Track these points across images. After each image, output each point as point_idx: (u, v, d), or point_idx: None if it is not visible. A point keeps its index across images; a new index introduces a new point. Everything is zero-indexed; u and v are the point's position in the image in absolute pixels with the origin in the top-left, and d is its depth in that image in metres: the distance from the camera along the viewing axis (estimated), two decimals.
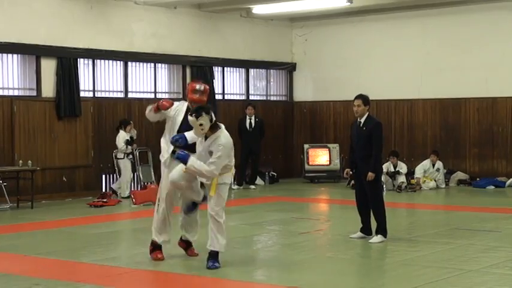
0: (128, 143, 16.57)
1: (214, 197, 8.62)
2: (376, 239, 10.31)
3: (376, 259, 9.51)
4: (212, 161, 8.48)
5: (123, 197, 16.19)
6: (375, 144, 10.37)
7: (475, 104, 18.64)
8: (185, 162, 8.53)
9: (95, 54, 16.95)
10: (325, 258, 9.60)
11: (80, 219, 13.29)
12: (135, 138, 16.89)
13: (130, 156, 16.70)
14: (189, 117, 8.51)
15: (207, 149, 8.58)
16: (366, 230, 10.61)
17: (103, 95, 17.41)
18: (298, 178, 19.95)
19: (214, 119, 8.54)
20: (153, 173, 17.56)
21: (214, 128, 8.57)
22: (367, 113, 10.55)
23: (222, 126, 8.71)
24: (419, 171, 17.79)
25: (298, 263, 9.20)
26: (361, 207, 10.66)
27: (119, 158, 16.64)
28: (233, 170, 8.85)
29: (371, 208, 10.51)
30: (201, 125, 8.43)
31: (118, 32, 17.39)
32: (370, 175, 10.25)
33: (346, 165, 10.73)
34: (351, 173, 10.79)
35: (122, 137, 16.61)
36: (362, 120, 10.50)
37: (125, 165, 16.63)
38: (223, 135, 8.61)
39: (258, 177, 19.09)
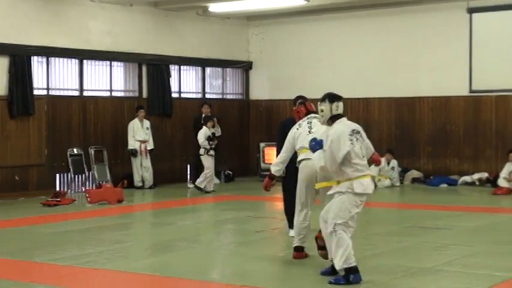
0: (209, 139, 16.93)
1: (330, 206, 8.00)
2: None
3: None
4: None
5: (207, 192, 16.72)
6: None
7: (429, 103, 18.85)
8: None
9: (49, 52, 16.77)
10: (280, 256, 9.62)
11: (33, 219, 13.14)
12: (217, 135, 17.31)
13: (211, 152, 16.98)
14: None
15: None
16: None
17: (57, 93, 17.23)
18: (254, 177, 19.96)
19: (339, 112, 8.00)
20: (108, 172, 17.49)
21: (333, 120, 8.03)
22: None
23: (343, 118, 8.08)
24: (374, 169, 17.89)
25: (253, 261, 9.21)
26: (292, 207, 10.72)
27: (200, 154, 17.01)
28: (365, 178, 7.86)
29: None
30: (321, 110, 8.05)
31: (73, 30, 17.23)
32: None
33: None
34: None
35: (204, 132, 16.96)
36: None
37: (206, 160, 16.93)
38: (335, 126, 7.97)
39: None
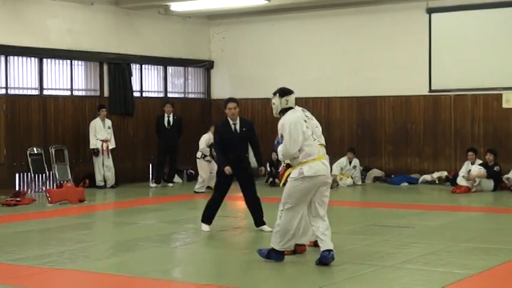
0: (211, 146, 16.27)
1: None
2: (268, 227, 10.83)
3: (292, 256, 9.56)
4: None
5: (196, 192, 16.59)
6: (257, 142, 11.29)
7: (390, 102, 19.00)
8: None
9: (7, 51, 16.58)
10: (243, 255, 9.63)
11: None
12: None
13: (208, 158, 16.72)
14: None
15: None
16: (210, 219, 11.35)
17: (17, 92, 17.05)
18: None
19: (289, 105, 8.65)
20: (69, 171, 17.35)
21: (284, 112, 8.69)
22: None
23: (295, 108, 8.71)
24: (336, 168, 18.00)
25: (216, 260, 9.22)
26: (220, 203, 11.29)
27: (196, 157, 16.91)
28: (315, 162, 8.44)
29: (254, 201, 11.21)
30: (273, 103, 8.71)
31: (32, 28, 17.05)
32: (263, 169, 11.58)
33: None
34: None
35: (206, 139, 16.77)
36: (237, 122, 11.06)
37: (201, 165, 16.82)
38: (289, 115, 8.63)
39: (176, 175, 19.03)
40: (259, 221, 11.21)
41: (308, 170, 8.34)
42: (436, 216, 12.96)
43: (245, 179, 11.13)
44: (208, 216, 11.29)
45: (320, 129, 8.77)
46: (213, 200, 11.34)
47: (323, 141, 8.73)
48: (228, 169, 10.92)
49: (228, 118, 11.06)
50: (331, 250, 8.50)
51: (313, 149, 8.46)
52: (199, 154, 16.86)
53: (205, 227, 11.27)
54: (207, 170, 16.75)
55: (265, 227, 11.05)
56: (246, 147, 11.17)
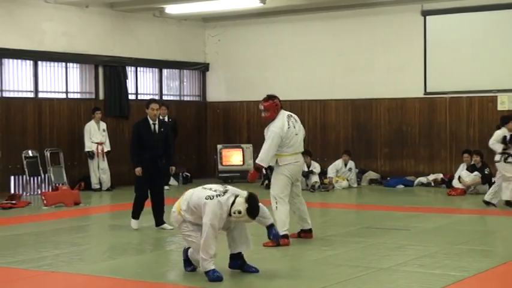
0: (502, 141, 13.69)
1: None
2: (169, 226, 11.45)
3: (288, 258, 9.57)
4: None
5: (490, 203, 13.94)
6: (172, 142, 12.04)
7: (385, 105, 19.00)
8: None
9: (2, 54, 16.56)
10: None
11: None
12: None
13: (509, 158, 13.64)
14: None
15: None
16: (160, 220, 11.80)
17: (11, 95, 17.02)
18: (212, 178, 19.92)
19: None
20: (64, 174, 17.32)
21: None
22: None
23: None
24: (331, 170, 18.01)
25: None
26: (144, 201, 11.72)
27: (495, 161, 13.94)
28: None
29: (160, 199, 11.74)
30: None
31: (27, 31, 17.03)
32: (174, 168, 12.25)
33: None
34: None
35: (497, 134, 13.84)
36: (157, 122, 11.59)
37: (503, 168, 13.74)
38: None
39: (171, 177, 18.99)
40: (159, 221, 11.73)
41: None
42: (431, 218, 12.96)
43: (157, 178, 11.68)
44: (136, 214, 11.76)
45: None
46: (137, 198, 11.76)
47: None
48: (138, 170, 11.41)
49: (148, 118, 11.52)
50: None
51: None
52: (497, 156, 13.84)
53: (133, 223, 11.72)
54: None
55: (165, 226, 11.64)
56: (162, 146, 11.58)
